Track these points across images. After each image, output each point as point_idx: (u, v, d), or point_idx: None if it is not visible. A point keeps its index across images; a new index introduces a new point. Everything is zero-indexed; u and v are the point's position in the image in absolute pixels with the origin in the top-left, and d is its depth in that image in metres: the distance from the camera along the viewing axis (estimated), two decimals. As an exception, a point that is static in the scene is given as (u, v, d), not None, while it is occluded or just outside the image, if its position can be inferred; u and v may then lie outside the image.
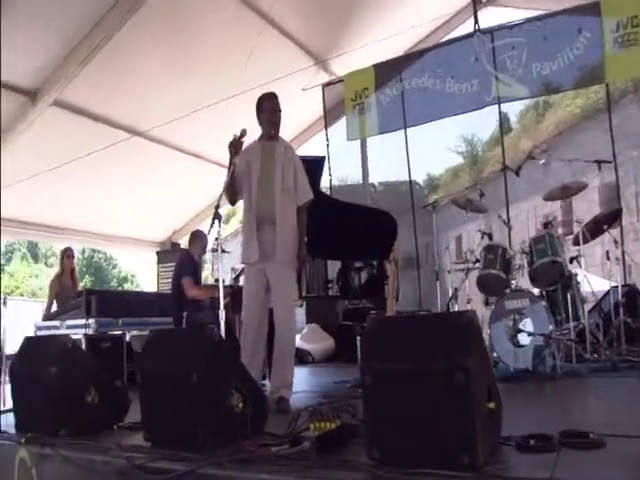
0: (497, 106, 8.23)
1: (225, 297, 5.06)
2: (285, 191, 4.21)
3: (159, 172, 9.81)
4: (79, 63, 6.83)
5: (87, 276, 37.08)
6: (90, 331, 5.60)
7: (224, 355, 3.09)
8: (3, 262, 36.71)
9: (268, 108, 4.33)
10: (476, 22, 8.32)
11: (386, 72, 9.11)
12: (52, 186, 8.53)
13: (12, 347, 4.04)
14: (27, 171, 7.74)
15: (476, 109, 8.33)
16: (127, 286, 39.73)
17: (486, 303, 5.40)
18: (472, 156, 26.43)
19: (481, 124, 27.35)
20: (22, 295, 30.15)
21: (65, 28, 6.60)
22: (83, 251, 37.47)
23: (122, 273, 40.78)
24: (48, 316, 6.40)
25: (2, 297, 4.48)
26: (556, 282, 5.19)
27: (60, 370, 3.29)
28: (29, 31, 6.39)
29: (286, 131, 10.08)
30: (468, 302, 5.87)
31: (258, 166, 4.28)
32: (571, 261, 5.48)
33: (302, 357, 7.78)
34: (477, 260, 5.70)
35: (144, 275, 35.23)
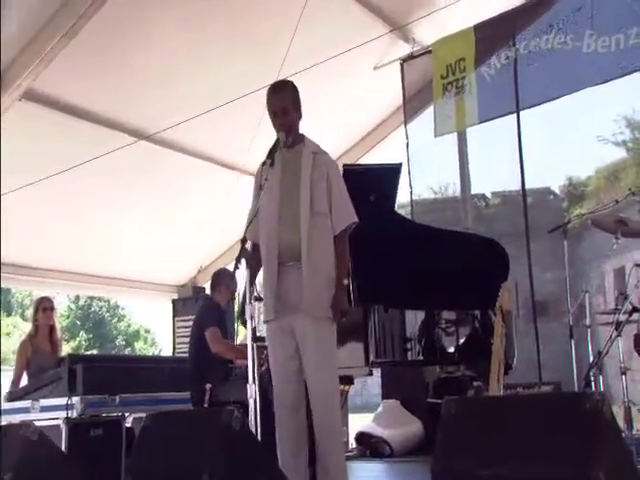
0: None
1: (262, 364, 5.12)
2: (316, 216, 4.26)
3: (177, 188, 10.01)
4: (58, 39, 6.94)
5: (83, 332, 37.92)
6: (74, 414, 5.70)
7: (247, 447, 3.13)
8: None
9: (269, 109, 4.42)
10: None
11: (492, 34, 9.05)
12: (27, 211, 8.73)
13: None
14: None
15: (633, 71, 7.91)
16: (139, 345, 40.46)
17: (653, 375, 5.26)
18: (641, 146, 24.55)
19: (655, 96, 25.32)
20: (-15, 363, 30.73)
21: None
22: (77, 299, 38.41)
23: (132, 327, 41.56)
24: (15, 394, 6.52)
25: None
26: None
27: (18, 476, 3.33)
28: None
29: (353, 130, 10.17)
30: (623, 373, 5.73)
31: (278, 184, 4.34)
32: None
33: (376, 447, 7.74)
34: (635, 309, 5.56)
35: (162, 330, 35.86)
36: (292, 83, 4.55)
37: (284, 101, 4.37)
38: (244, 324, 4.38)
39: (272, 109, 4.38)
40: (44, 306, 7.51)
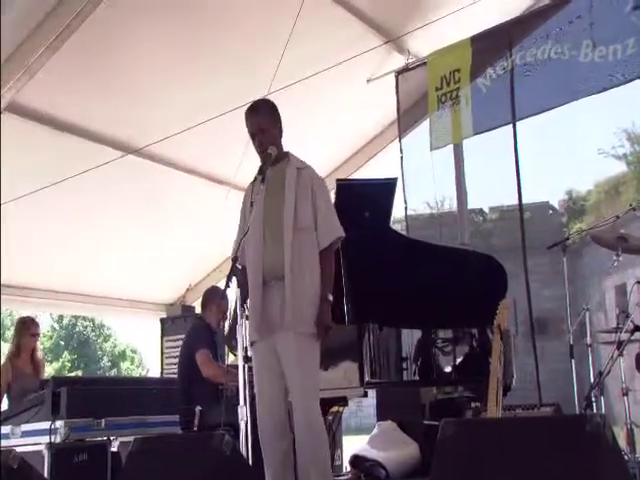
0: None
1: (253, 385, 5.12)
2: (300, 232, 4.29)
3: (165, 203, 9.99)
4: (42, 51, 6.92)
5: (66, 353, 37.72)
6: (58, 439, 5.67)
7: (238, 472, 3.12)
8: None
9: (248, 130, 4.50)
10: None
11: (489, 45, 9.06)
12: (9, 227, 8.67)
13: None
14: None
15: (630, 80, 7.89)
16: (125, 366, 40.36)
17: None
18: (643, 160, 24.49)
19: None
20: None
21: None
22: (61, 318, 38.24)
23: (118, 347, 41.44)
24: (-5, 419, 6.47)
25: None
26: None
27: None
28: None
29: (347, 144, 10.18)
30: (625, 394, 5.72)
31: (261, 202, 4.38)
32: None
33: (371, 471, 7.71)
34: (637, 328, 5.56)
35: (150, 351, 35.71)
36: (268, 101, 4.67)
37: (260, 121, 4.45)
38: (231, 349, 4.39)
39: (250, 130, 4.47)
40: (32, 332, 7.48)
